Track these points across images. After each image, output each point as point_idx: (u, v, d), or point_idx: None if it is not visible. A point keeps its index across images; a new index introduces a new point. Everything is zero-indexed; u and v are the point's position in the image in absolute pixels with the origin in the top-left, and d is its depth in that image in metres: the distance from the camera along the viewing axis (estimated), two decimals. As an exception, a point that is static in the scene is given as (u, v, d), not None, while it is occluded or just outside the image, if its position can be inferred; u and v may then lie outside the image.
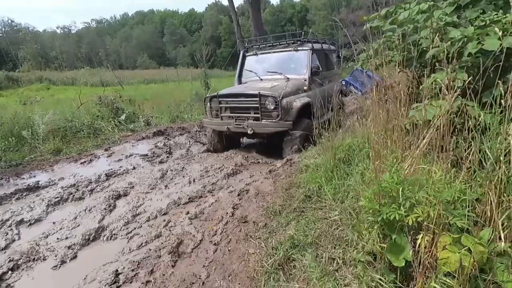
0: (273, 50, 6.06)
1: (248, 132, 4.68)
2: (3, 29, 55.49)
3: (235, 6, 13.32)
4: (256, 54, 6.22)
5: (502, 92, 1.66)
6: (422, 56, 2.70)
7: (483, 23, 2.13)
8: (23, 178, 4.19)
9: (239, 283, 2.21)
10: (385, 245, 1.81)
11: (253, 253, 2.51)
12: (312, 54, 5.70)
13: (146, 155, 5.31)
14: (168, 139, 6.34)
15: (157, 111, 8.81)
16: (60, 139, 5.57)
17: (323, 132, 3.83)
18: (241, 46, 13.36)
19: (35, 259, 2.56)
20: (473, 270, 1.49)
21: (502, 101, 1.66)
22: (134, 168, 4.65)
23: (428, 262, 1.65)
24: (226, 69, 44.45)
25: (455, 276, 1.46)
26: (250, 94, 4.80)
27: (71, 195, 3.65)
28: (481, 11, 2.37)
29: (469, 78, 2.07)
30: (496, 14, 2.14)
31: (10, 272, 2.40)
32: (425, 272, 1.66)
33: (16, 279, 2.35)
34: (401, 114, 2.72)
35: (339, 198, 2.86)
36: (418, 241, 1.64)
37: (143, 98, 11.81)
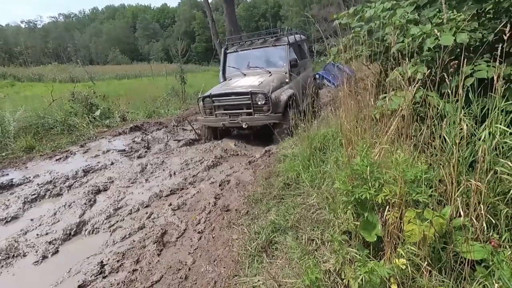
0: (252, 47, 6.42)
1: (243, 126, 5.10)
2: (-39, 23, 51.76)
3: (209, 2, 13.24)
4: (236, 51, 6.57)
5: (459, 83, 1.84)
6: (387, 51, 2.89)
7: (440, 20, 2.31)
8: (-5, 176, 4.04)
9: (224, 267, 2.30)
10: (359, 223, 1.98)
11: (236, 239, 2.62)
12: (289, 48, 6.04)
13: (124, 150, 5.25)
14: (145, 134, 6.28)
15: (132, 107, 8.65)
16: (32, 136, 5.36)
17: (300, 123, 3.99)
18: (218, 45, 13.35)
19: (15, 255, 2.53)
20: (435, 240, 1.67)
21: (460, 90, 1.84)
22: (112, 163, 4.60)
23: (397, 236, 1.83)
24: (201, 64, 43.97)
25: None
26: (242, 92, 5.13)
27: (48, 192, 3.58)
28: (438, 10, 2.55)
29: (428, 71, 2.28)
30: (452, 12, 2.33)
31: (-11, 269, 2.36)
32: (394, 244, 1.83)
33: (-4, 276, 2.32)
34: (370, 104, 2.91)
35: (316, 184, 3.00)
36: (387, 217, 1.82)
37: (116, 94, 11.50)
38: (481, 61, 2.15)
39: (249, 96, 5.00)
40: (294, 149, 3.97)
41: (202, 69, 35.35)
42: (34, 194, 3.49)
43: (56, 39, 56.58)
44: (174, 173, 4.12)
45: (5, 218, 3.05)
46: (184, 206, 3.24)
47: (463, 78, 1.81)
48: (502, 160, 1.69)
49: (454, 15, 2.29)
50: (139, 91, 13.02)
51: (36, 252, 2.57)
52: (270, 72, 5.89)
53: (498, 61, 1.70)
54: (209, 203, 3.22)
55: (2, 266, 2.41)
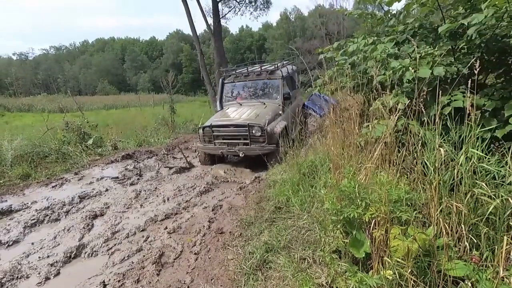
0: (248, 79, 6.92)
1: (240, 155, 5.51)
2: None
3: (197, 35, 13.97)
4: (233, 82, 7.08)
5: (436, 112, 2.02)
6: (370, 82, 3.23)
7: (419, 55, 2.55)
8: (-6, 203, 4.11)
9: (221, 285, 2.47)
10: (348, 241, 2.17)
11: (231, 259, 2.80)
12: (283, 81, 6.56)
13: (117, 177, 5.39)
14: (137, 162, 6.44)
15: (122, 136, 8.84)
16: (28, 164, 5.46)
17: (288, 151, 4.30)
18: (206, 76, 13.94)
19: (19, 277, 2.62)
20: (419, 255, 1.87)
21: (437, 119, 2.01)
22: (106, 190, 4.73)
23: (383, 251, 1.98)
24: (187, 95, 44.78)
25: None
26: (240, 124, 5.54)
27: (47, 217, 3.68)
28: (416, 46, 2.93)
29: (408, 101, 2.57)
30: (430, 48, 2.64)
31: (-6, 290, 2.44)
32: (381, 258, 2.01)
33: (1, 297, 2.41)
34: (355, 132, 3.22)
35: (306, 207, 3.21)
36: (374, 234, 2.04)
37: (104, 124, 11.69)
38: (458, 92, 2.40)
39: (246, 128, 5.39)
40: (284, 175, 4.24)
41: (189, 99, 36.04)
42: (33, 219, 3.59)
43: (46, 71, 57.06)
44: (168, 199, 4.29)
45: (7, 242, 3.14)
46: (179, 230, 3.41)
47: (440, 108, 2.01)
48: (479, 182, 1.84)
49: (431, 50, 2.57)
50: (128, 120, 13.25)
51: (39, 274, 2.67)
52: (264, 104, 6.33)
53: (469, 91, 1.89)
54: (204, 226, 3.40)
55: (7, 287, 2.50)
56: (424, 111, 2.23)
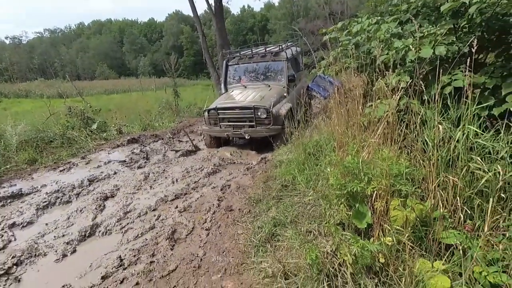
0: (253, 61, 6.85)
1: (246, 137, 5.51)
2: None
3: (198, 16, 13.67)
4: (238, 64, 7.01)
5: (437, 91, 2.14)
6: (374, 63, 3.25)
7: (422, 34, 2.60)
8: (4, 187, 4.19)
9: (233, 257, 2.58)
10: (351, 213, 2.29)
11: (241, 233, 2.90)
12: (287, 63, 6.49)
13: (125, 161, 5.45)
14: (143, 145, 6.50)
15: (126, 120, 8.87)
16: (33, 149, 5.53)
17: (294, 132, 4.34)
18: (209, 59, 13.75)
19: (36, 254, 2.73)
20: (416, 225, 1.99)
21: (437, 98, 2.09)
22: (115, 173, 4.81)
23: (384, 221, 2.15)
24: (189, 78, 44.38)
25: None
26: (246, 106, 5.55)
27: (58, 199, 3.77)
28: (419, 25, 2.85)
29: (411, 80, 2.61)
30: (432, 27, 2.64)
31: (15, 266, 2.55)
32: (382, 228, 2.14)
33: (22, 272, 2.52)
34: (359, 113, 3.27)
35: (312, 185, 3.31)
36: (375, 206, 2.15)
37: (107, 109, 11.68)
38: (458, 71, 2.40)
39: (252, 110, 5.43)
40: (289, 155, 4.30)
41: (191, 83, 35.78)
42: (45, 201, 3.68)
43: (42, 55, 56.24)
44: (177, 180, 4.37)
45: (21, 223, 3.24)
46: (189, 208, 3.50)
47: (439, 87, 2.09)
48: (474, 156, 1.94)
49: (433, 29, 2.57)
50: (130, 105, 13.22)
51: (56, 251, 2.77)
52: (269, 86, 6.31)
53: (467, 70, 1.98)
54: (213, 204, 3.50)
55: (27, 264, 2.60)
56: (425, 90, 2.28)
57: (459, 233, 1.81)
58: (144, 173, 4.67)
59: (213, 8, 13.36)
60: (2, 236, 3.00)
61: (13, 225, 3.21)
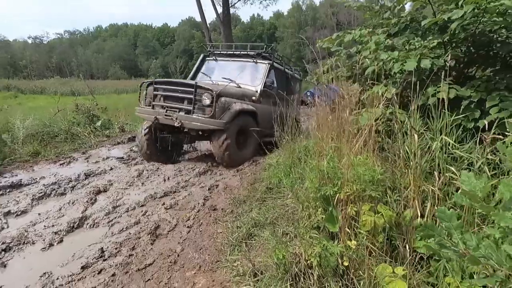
0: (232, 59, 6.09)
1: (175, 124, 4.41)
2: (-29, 37, 54.22)
3: (207, 23, 14.08)
4: (215, 60, 6.21)
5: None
6: (364, 73, 3.32)
7: (413, 47, 2.69)
8: (5, 177, 4.39)
9: (209, 254, 2.66)
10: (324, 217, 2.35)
11: (220, 232, 2.99)
12: (270, 69, 5.74)
13: (122, 158, 5.63)
14: (143, 144, 6.66)
15: (130, 119, 9.10)
16: (38, 143, 5.77)
17: (284, 136, 4.42)
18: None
19: (25, 242, 2.86)
20: (386, 231, 2.02)
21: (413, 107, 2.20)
22: (111, 169, 4.97)
23: (354, 226, 2.19)
24: (196, 81, 44.84)
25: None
26: (187, 84, 4.68)
27: (54, 191, 3.93)
28: (406, 39, 2.98)
29: (395, 91, 2.67)
30: (418, 41, 2.71)
31: (3, 252, 2.69)
32: (354, 232, 2.15)
33: (9, 258, 2.65)
34: (350, 120, 3.34)
35: (295, 189, 3.38)
36: (347, 210, 2.21)
37: (114, 107, 11.97)
38: (444, 83, 2.37)
39: (193, 89, 4.40)
40: (279, 159, 4.38)
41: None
42: (41, 192, 3.84)
43: (60, 55, 58.24)
44: (168, 178, 4.50)
45: (16, 211, 3.40)
46: (176, 206, 3.61)
47: (422, 99, 2.22)
48: (450, 167, 1.97)
49: (418, 43, 2.66)
50: (137, 104, 13.45)
51: (44, 240, 2.91)
52: (239, 87, 5.39)
53: (442, 83, 2.12)
54: (198, 203, 3.60)
55: (15, 251, 2.74)
56: (410, 101, 2.34)
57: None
58: (138, 170, 4.81)
59: (221, 16, 13.71)
60: (-4, 223, 3.16)
61: (8, 213, 3.37)
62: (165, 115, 4.51)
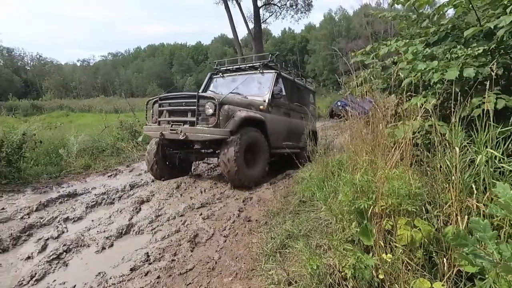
0: (239, 73, 6.00)
1: (180, 137, 4.33)
2: (32, 63, 62.11)
3: (239, 39, 14.62)
4: (223, 77, 6.17)
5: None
6: (401, 84, 3.27)
7: (455, 55, 2.57)
8: (63, 187, 4.91)
9: (244, 263, 2.81)
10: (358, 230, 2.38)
11: (255, 242, 3.13)
12: (277, 78, 5.62)
13: (163, 171, 6.00)
14: (181, 158, 7.05)
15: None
16: (89, 157, 6.37)
17: (317, 150, 4.52)
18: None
19: (82, 245, 3.20)
20: (426, 244, 1.95)
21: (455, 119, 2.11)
22: (152, 181, 5.33)
23: (390, 240, 2.17)
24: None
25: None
26: (189, 95, 4.62)
27: (104, 200, 4.33)
28: (447, 47, 2.86)
29: (434, 101, 2.47)
30: (464, 50, 2.55)
31: (65, 253, 3.04)
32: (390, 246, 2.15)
33: (70, 259, 2.98)
34: (386, 133, 3.33)
35: (329, 202, 3.43)
36: (383, 224, 2.24)
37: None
38: (491, 93, 2.23)
39: (195, 100, 4.29)
40: (312, 172, 4.47)
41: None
42: (93, 201, 4.25)
43: (104, 75, 63.39)
44: (205, 190, 4.75)
45: (73, 218, 3.80)
46: (212, 216, 3.82)
47: (466, 110, 2.12)
48: (495, 182, 1.80)
49: (461, 51, 2.51)
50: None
51: (97, 244, 3.23)
52: (246, 97, 5.22)
53: (487, 93, 1.96)
54: (234, 214, 3.78)
55: (74, 252, 3.08)
56: (451, 113, 2.21)
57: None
58: (177, 182, 5.12)
59: (252, 32, 14.19)
60: (58, 227, 3.54)
61: (67, 219, 3.77)
62: (170, 129, 4.44)
